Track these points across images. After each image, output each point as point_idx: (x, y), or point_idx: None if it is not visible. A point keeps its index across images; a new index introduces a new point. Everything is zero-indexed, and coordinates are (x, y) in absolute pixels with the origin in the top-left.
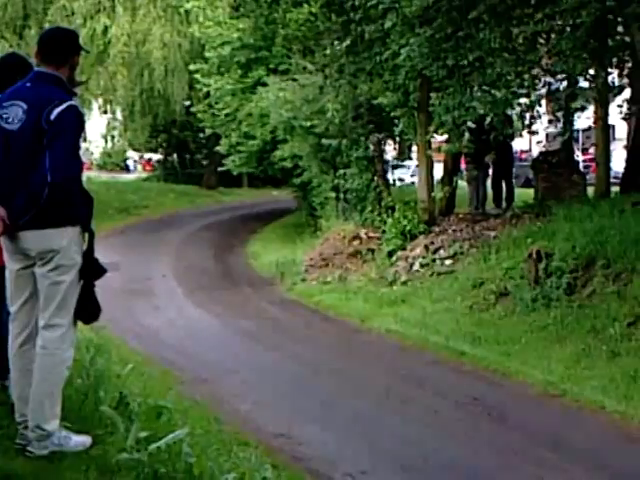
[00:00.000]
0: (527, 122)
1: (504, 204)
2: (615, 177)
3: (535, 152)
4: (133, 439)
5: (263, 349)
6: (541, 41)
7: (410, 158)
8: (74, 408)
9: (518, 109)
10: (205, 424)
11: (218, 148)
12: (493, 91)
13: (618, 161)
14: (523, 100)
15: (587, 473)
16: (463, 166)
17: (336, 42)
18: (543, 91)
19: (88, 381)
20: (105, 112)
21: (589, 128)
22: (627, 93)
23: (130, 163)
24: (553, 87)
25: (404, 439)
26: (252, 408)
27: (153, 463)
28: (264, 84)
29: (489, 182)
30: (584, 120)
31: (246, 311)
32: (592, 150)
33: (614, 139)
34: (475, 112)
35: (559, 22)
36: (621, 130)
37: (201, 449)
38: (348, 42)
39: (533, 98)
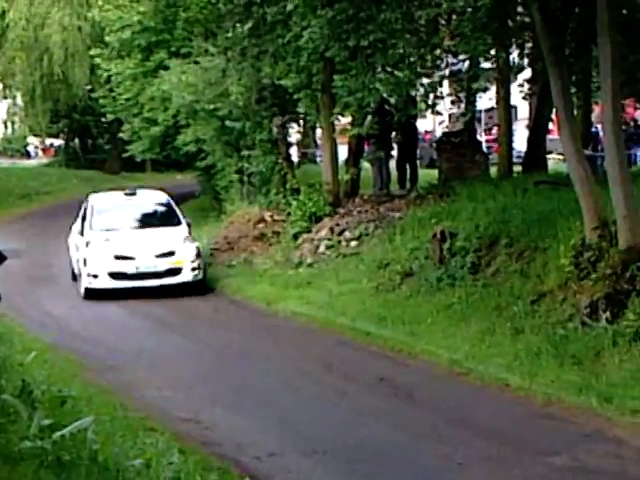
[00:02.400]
0: (430, 103)
1: (408, 185)
2: (518, 156)
3: (439, 133)
4: (36, 427)
5: (170, 334)
6: (443, 22)
7: (315, 141)
8: None
9: (422, 90)
10: (111, 411)
11: (121, 135)
12: (396, 72)
13: (521, 141)
14: (426, 81)
15: (491, 447)
16: (367, 148)
17: (238, 25)
18: (446, 72)
19: None
20: (5, 97)
21: (492, 108)
22: (528, 73)
23: (31, 149)
24: (455, 68)
25: (312, 421)
26: (159, 394)
27: (57, 451)
28: (166, 68)
29: (393, 163)
30: (486, 100)
31: (151, 296)
32: (495, 130)
33: (516, 119)
34: (378, 93)
35: (460, 3)
36: (523, 110)
37: (106, 436)
38: (250, 25)
39: (436, 79)
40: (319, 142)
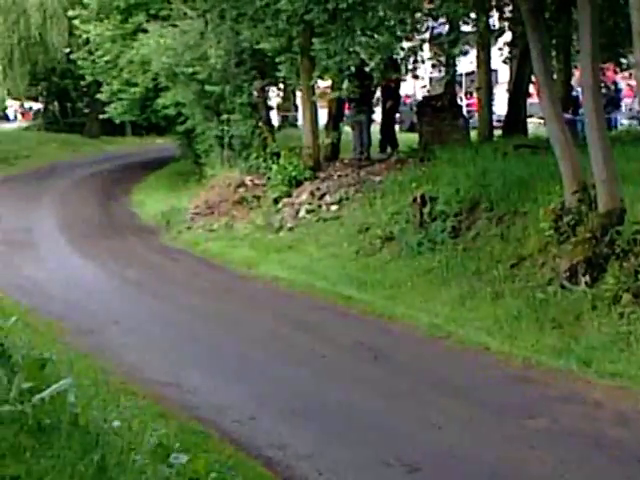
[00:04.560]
0: (411, 67)
1: (389, 149)
2: (498, 120)
3: (419, 97)
4: (17, 389)
5: (150, 298)
6: None
7: (295, 105)
8: None
9: (402, 53)
10: (91, 375)
11: (99, 96)
12: (376, 36)
13: (501, 105)
14: (406, 45)
15: (470, 410)
16: (348, 111)
17: None
18: (426, 36)
19: None
20: None
21: (472, 72)
22: (508, 36)
23: (10, 112)
24: (436, 31)
25: (292, 384)
26: (139, 358)
27: (37, 414)
28: (145, 30)
29: (375, 127)
30: (467, 64)
31: (132, 260)
32: (475, 94)
33: (497, 83)
34: (358, 57)
35: None
36: (504, 74)
37: (87, 400)
38: None
39: (416, 43)
40: (299, 106)
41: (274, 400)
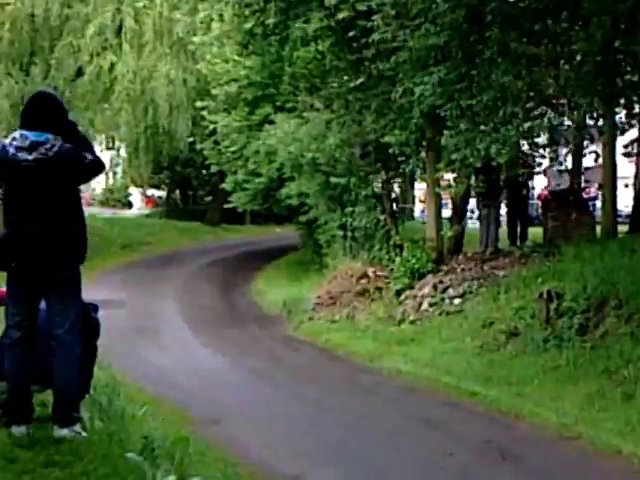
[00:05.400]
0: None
1: (518, 242)
2: (618, 216)
3: (537, 190)
4: None
5: (272, 389)
6: (550, 81)
7: (412, 197)
8: (99, 452)
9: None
10: (222, 467)
11: (224, 185)
12: (502, 130)
13: (620, 200)
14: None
15: None
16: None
17: (345, 78)
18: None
19: (109, 422)
20: (109, 148)
21: (588, 168)
22: (633, 133)
23: (135, 199)
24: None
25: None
26: (264, 450)
27: None
28: (271, 122)
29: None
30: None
31: (254, 350)
32: (591, 189)
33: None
34: (483, 153)
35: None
36: (622, 169)
37: None
38: (360, 81)
39: (539, 139)
40: (416, 197)
41: None
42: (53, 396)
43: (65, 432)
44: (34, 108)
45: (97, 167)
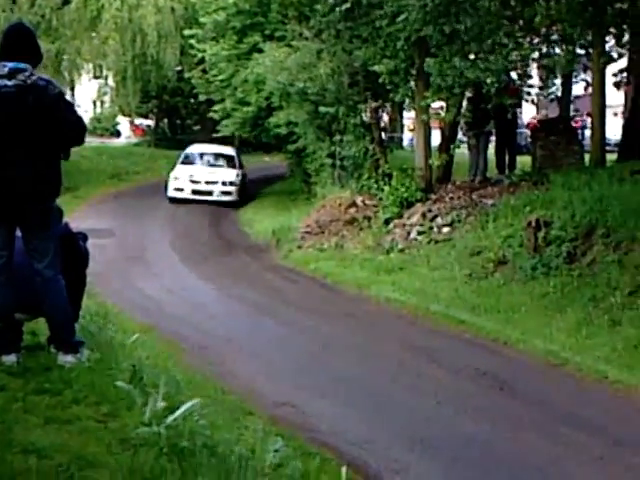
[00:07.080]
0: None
1: (507, 171)
2: (607, 144)
3: (526, 119)
4: (150, 413)
5: (261, 316)
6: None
7: (401, 126)
8: (89, 380)
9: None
10: (211, 393)
11: (212, 114)
12: (490, 58)
13: (610, 129)
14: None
15: (604, 448)
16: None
17: (331, 1)
18: (534, 55)
19: (98, 351)
20: (96, 77)
21: (577, 96)
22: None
23: (123, 129)
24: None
25: (408, 409)
26: (254, 377)
27: (172, 436)
28: (260, 50)
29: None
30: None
31: (243, 278)
32: (581, 118)
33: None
34: (469, 80)
35: None
36: (611, 98)
37: (210, 420)
38: (345, 6)
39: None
40: (405, 126)
41: (392, 426)
42: (48, 326)
43: (69, 358)
44: (12, 39)
45: (79, 126)
